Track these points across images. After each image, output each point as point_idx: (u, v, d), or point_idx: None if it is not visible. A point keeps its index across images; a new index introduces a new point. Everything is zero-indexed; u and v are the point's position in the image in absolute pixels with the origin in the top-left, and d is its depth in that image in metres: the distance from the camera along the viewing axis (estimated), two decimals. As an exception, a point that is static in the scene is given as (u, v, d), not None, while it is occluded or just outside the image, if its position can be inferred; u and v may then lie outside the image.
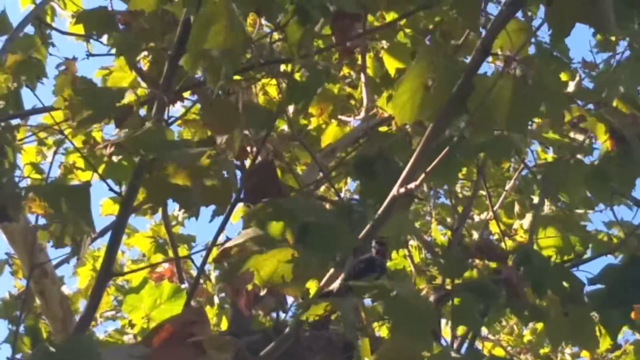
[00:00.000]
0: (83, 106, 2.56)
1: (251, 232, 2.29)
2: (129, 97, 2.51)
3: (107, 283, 2.76)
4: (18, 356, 4.16)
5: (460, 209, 4.37)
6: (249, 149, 3.22)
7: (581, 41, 4.90)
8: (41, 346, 2.31)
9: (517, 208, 4.55)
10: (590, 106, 3.27)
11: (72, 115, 2.58)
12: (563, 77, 3.18)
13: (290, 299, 2.96)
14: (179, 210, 5.18)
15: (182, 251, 5.03)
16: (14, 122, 3.25)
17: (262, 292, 2.24)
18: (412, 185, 2.10)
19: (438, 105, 2.20)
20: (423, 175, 2.08)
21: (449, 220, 5.12)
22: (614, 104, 3.14)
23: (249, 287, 2.22)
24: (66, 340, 2.39)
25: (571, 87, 3.35)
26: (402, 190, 2.13)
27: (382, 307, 2.15)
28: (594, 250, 3.32)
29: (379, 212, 2.21)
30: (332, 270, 2.38)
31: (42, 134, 4.24)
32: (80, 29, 3.14)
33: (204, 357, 2.22)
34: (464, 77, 2.11)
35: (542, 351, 5.42)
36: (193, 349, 2.34)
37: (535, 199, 4.13)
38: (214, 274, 4.72)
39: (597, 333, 2.70)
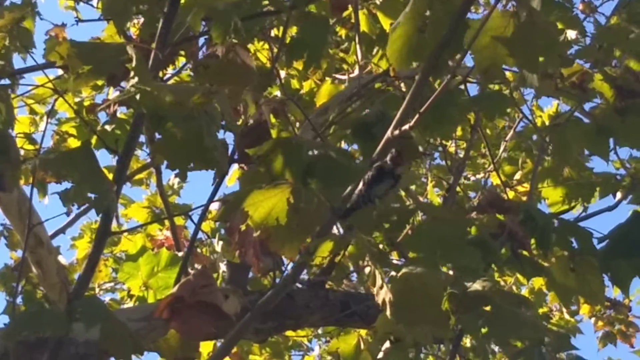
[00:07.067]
0: (81, 60, 2.48)
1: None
2: (131, 51, 2.42)
3: (106, 240, 2.69)
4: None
5: (455, 170, 4.34)
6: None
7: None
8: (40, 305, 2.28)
9: (521, 158, 4.51)
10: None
11: (70, 69, 2.50)
12: (560, 25, 3.13)
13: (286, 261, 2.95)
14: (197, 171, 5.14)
15: (179, 220, 5.02)
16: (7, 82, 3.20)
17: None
18: (406, 127, 2.07)
19: (433, 48, 2.15)
20: (417, 116, 2.05)
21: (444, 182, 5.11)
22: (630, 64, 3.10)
23: (243, 227, 2.18)
24: (75, 300, 2.35)
25: (572, 35, 3.30)
26: (397, 132, 2.10)
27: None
28: (602, 193, 3.29)
29: (374, 154, 2.17)
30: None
31: (31, 101, 4.20)
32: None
33: (217, 310, 2.20)
34: (455, 16, 2.08)
35: (540, 310, 5.43)
36: (205, 308, 2.33)
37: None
38: (217, 243, 4.70)
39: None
